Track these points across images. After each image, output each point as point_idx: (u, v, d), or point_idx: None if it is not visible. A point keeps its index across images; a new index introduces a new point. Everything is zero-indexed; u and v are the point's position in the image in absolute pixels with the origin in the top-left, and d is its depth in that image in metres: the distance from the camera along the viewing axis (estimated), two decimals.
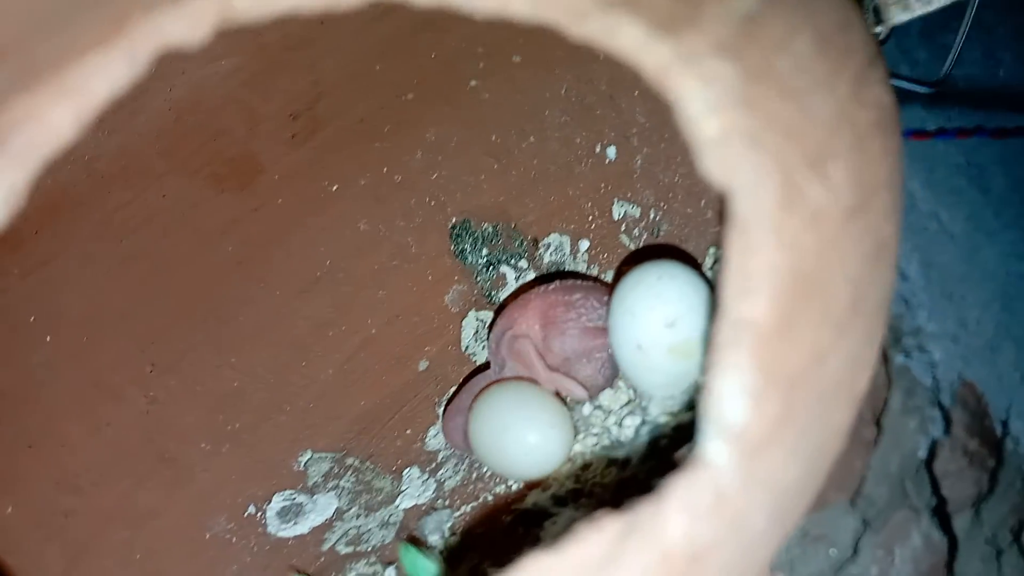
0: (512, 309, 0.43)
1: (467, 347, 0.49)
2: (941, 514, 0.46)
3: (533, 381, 0.41)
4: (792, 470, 0.19)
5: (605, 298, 0.40)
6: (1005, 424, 0.50)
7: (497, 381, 0.43)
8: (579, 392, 0.39)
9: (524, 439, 0.39)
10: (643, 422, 0.34)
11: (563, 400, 0.41)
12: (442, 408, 0.46)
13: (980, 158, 0.55)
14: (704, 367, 0.18)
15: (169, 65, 0.36)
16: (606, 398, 0.40)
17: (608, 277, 0.46)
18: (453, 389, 0.48)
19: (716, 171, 0.17)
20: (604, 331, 0.39)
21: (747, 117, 0.17)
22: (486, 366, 0.46)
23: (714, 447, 0.17)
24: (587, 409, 0.41)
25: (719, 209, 0.40)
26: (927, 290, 0.50)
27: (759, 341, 0.17)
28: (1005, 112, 0.55)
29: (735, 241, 0.17)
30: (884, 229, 0.21)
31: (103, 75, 0.16)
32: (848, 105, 0.20)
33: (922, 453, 0.46)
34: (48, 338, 0.39)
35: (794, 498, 0.20)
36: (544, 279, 0.47)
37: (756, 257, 0.17)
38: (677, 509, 0.17)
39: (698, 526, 0.17)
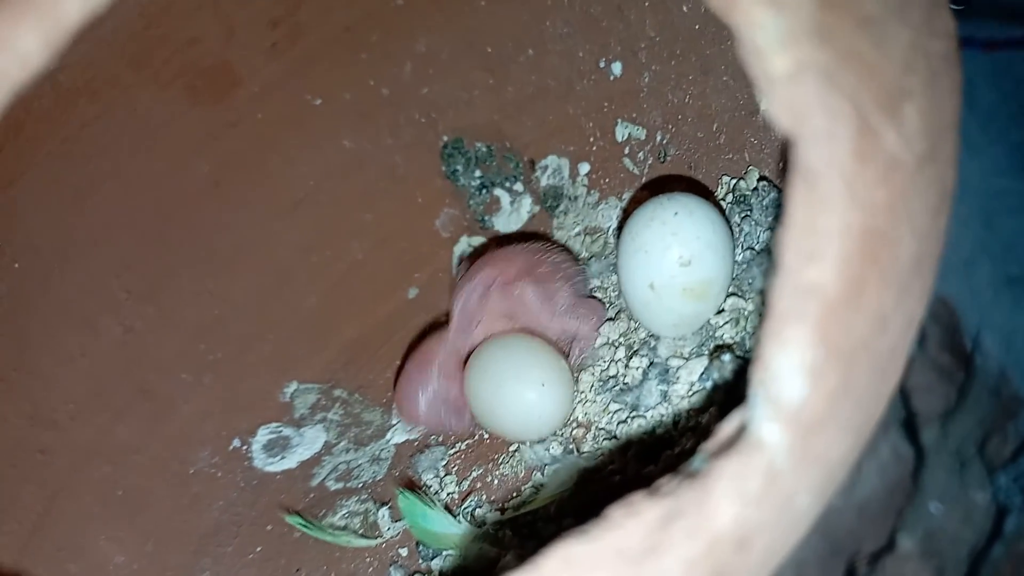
0: (494, 261, 0.40)
1: (459, 274, 0.47)
2: (909, 427, 0.46)
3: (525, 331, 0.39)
4: (843, 444, 0.17)
5: (577, 274, 0.40)
6: (976, 340, 0.49)
7: (490, 337, 0.40)
8: (589, 329, 0.37)
9: (523, 397, 0.36)
10: (651, 363, 0.33)
11: (564, 353, 0.39)
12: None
13: (967, 71, 0.52)
14: (758, 336, 0.16)
15: None
16: (605, 328, 0.38)
17: (609, 204, 0.43)
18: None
19: (784, 114, 0.15)
20: (593, 303, 0.39)
21: (822, 51, 0.15)
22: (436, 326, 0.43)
23: (768, 428, 0.16)
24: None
25: (733, 135, 0.38)
26: None
27: (824, 311, 0.15)
28: (994, 23, 0.52)
29: (802, 195, 0.15)
30: (948, 177, 0.19)
31: None
32: (921, 35, 0.18)
33: None
34: (16, 265, 0.37)
35: (839, 471, 0.18)
36: (505, 241, 0.44)
37: (826, 215, 0.15)
38: (727, 495, 0.15)
39: (748, 511, 0.16)
